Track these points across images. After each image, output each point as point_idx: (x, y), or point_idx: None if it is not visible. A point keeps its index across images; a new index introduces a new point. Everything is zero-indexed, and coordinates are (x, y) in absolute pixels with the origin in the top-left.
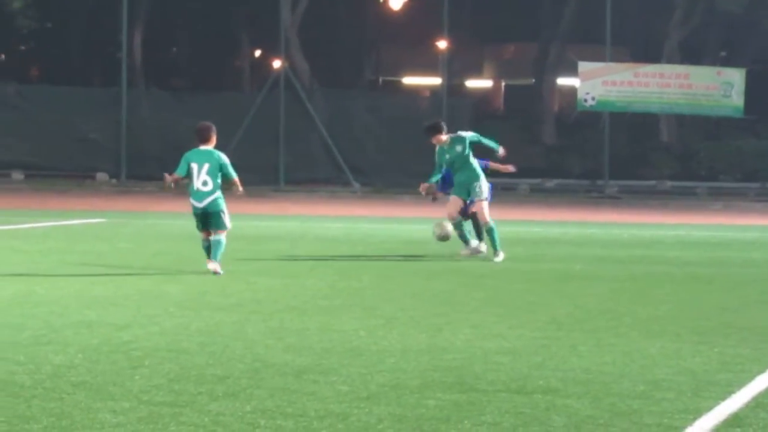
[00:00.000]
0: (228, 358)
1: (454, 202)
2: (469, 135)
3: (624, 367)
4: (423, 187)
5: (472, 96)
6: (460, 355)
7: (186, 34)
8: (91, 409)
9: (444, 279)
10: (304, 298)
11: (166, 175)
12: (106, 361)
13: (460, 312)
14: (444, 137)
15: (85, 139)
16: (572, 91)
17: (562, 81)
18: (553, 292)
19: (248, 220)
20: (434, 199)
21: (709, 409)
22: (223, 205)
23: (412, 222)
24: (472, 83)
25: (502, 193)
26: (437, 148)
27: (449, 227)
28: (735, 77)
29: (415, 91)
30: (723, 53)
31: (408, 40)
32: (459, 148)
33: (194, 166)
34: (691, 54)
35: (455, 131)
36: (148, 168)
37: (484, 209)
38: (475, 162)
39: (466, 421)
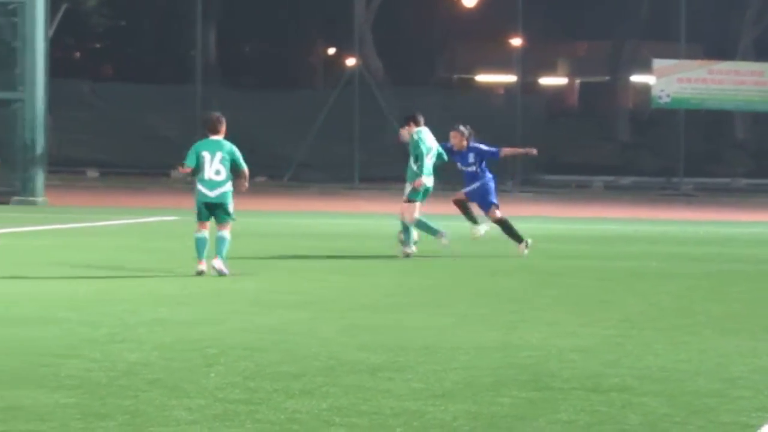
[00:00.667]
0: (303, 356)
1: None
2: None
3: (699, 364)
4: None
5: (546, 94)
6: (534, 353)
7: (260, 32)
8: (166, 406)
9: (515, 277)
10: (377, 296)
11: (179, 167)
12: (181, 358)
13: (532, 309)
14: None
15: (159, 137)
16: (646, 89)
17: (637, 78)
18: (627, 290)
19: (322, 218)
20: None
21: None
22: (231, 198)
23: (483, 220)
24: (545, 81)
25: (576, 190)
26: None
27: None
28: None
29: (488, 88)
30: None
31: (481, 37)
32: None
33: (206, 154)
34: (766, 52)
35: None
36: None
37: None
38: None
39: (540, 419)
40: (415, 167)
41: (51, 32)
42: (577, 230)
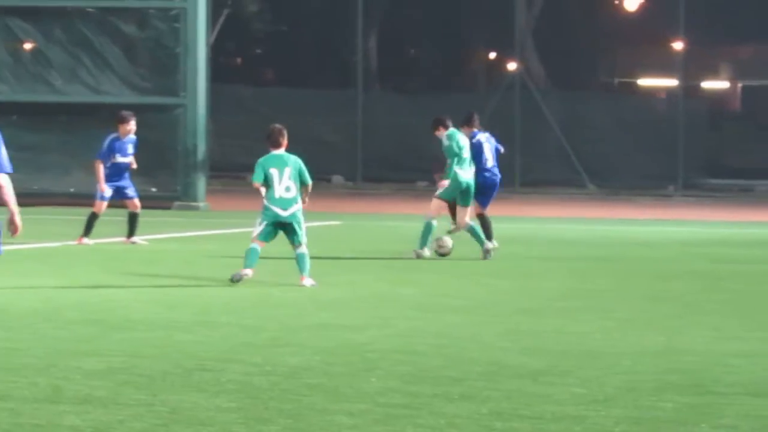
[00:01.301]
0: (463, 361)
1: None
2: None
3: None
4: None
5: (709, 97)
6: (697, 358)
7: (421, 36)
8: (327, 411)
9: (681, 281)
10: (540, 300)
11: (254, 184)
12: (342, 363)
13: (697, 314)
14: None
15: (320, 142)
16: None
17: None
18: None
19: None
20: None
21: None
22: (302, 215)
23: (648, 224)
24: (708, 84)
25: (739, 194)
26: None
27: (448, 242)
28: None
29: (650, 92)
30: None
31: (643, 41)
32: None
33: (274, 171)
34: None
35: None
36: (384, 170)
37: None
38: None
39: (703, 424)
40: (453, 167)
41: (212, 38)
42: (743, 234)
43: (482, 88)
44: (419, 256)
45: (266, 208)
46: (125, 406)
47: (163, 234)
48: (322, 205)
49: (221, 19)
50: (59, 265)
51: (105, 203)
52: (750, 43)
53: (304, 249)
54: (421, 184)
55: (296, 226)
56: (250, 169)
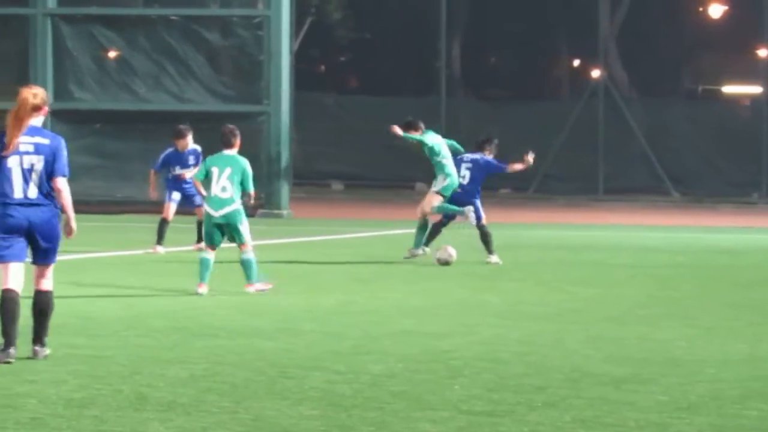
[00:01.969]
0: (546, 368)
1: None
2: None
3: None
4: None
5: None
6: None
7: (504, 43)
8: (411, 418)
9: (765, 289)
10: (623, 308)
11: (195, 183)
12: (425, 370)
13: None
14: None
15: (403, 149)
16: None
17: None
18: None
19: (567, 230)
20: None
21: None
22: (243, 218)
23: (732, 231)
24: None
25: None
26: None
27: (452, 251)
28: None
29: (734, 99)
30: None
31: (727, 48)
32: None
33: (215, 170)
34: None
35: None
36: None
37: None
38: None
39: None
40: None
41: (296, 45)
42: None
43: (565, 96)
44: (414, 256)
45: (204, 211)
46: (208, 414)
47: None
48: (406, 212)
49: (305, 27)
50: (143, 273)
51: (172, 209)
52: None
53: (248, 254)
54: (504, 191)
55: (233, 227)
56: (334, 176)
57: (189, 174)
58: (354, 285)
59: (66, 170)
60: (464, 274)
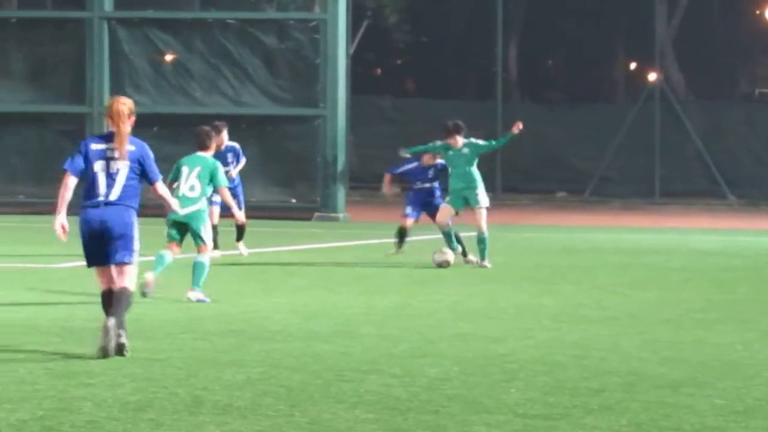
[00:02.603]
0: (603, 372)
1: (446, 210)
2: (481, 142)
3: None
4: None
5: None
6: None
7: (561, 47)
8: (466, 422)
9: None
10: (679, 311)
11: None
12: (481, 373)
13: None
14: (460, 140)
15: None
16: None
17: None
18: None
19: (623, 233)
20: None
21: None
22: (204, 219)
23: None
24: None
25: None
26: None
27: (450, 255)
28: None
29: None
30: None
31: None
32: (467, 150)
33: (185, 169)
34: None
35: None
36: (523, 181)
37: (484, 217)
38: (476, 171)
39: None
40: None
41: (352, 49)
42: None
43: (622, 98)
44: (449, 264)
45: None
46: (264, 417)
47: (303, 245)
48: (462, 216)
49: (361, 30)
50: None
51: (216, 212)
52: None
53: (202, 257)
54: (561, 194)
55: (194, 228)
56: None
57: (233, 173)
58: (410, 288)
59: (157, 175)
60: (520, 277)
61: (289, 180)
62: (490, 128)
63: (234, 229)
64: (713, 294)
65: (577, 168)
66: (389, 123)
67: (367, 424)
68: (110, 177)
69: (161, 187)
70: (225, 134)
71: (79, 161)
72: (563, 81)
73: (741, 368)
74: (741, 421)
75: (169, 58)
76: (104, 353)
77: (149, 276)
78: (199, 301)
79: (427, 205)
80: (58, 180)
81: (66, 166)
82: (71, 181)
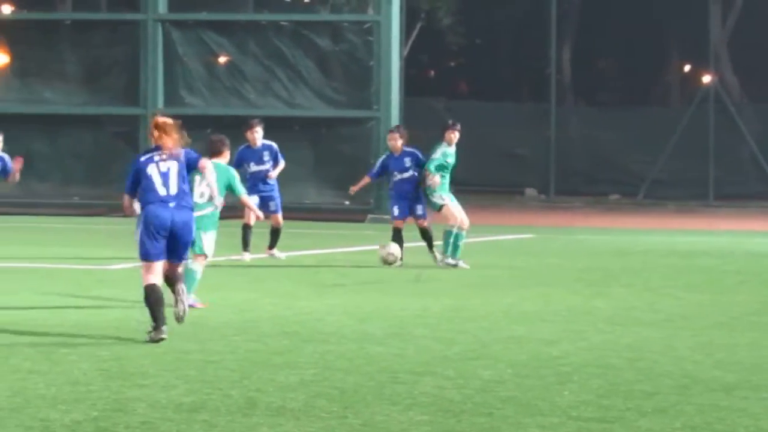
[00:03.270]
0: (656, 374)
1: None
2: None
3: None
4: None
5: None
6: None
7: (614, 49)
8: (520, 424)
9: None
10: (734, 314)
11: None
12: (535, 376)
13: None
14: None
15: (513, 155)
16: None
17: None
18: None
19: (677, 236)
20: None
21: None
22: (211, 228)
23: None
24: None
25: None
26: (443, 147)
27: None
28: None
29: None
30: None
31: None
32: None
33: (197, 178)
34: None
35: None
36: (577, 183)
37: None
38: None
39: None
40: None
41: (406, 50)
42: None
43: (676, 101)
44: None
45: None
46: (317, 419)
47: (356, 247)
48: (515, 218)
49: (414, 32)
50: (253, 278)
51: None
52: None
53: (195, 265)
54: (614, 197)
55: (197, 233)
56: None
57: (273, 174)
58: (464, 290)
59: (199, 157)
60: (573, 279)
61: (342, 182)
62: (544, 130)
63: (267, 233)
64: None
65: (630, 170)
66: (442, 125)
67: (421, 426)
68: (164, 176)
69: (204, 161)
70: (259, 131)
71: None
72: (617, 83)
73: None
74: None
75: (222, 60)
76: (180, 319)
77: (192, 300)
78: (191, 306)
79: (413, 200)
80: (111, 182)
81: None
82: None
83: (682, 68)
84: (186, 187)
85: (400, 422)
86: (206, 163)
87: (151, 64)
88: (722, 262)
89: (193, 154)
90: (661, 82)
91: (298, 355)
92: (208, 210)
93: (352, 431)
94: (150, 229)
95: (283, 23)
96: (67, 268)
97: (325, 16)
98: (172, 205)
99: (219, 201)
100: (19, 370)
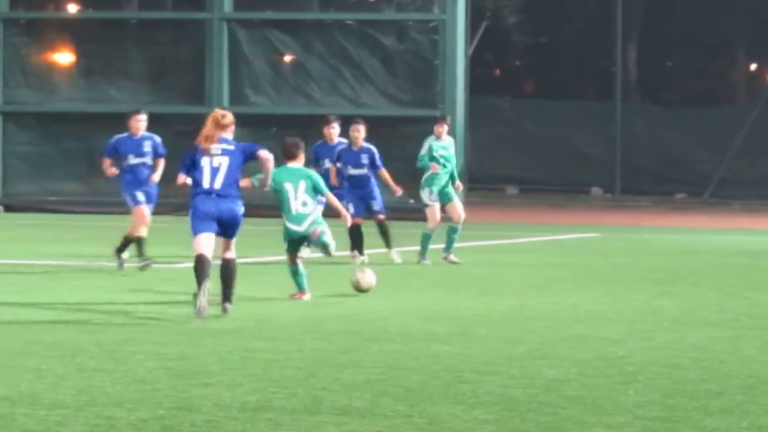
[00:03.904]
0: (722, 374)
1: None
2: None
3: None
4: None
5: None
6: None
7: (680, 47)
8: (585, 423)
9: None
10: None
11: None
12: (600, 375)
13: None
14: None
15: (578, 154)
16: None
17: None
18: None
19: (744, 235)
20: None
21: None
22: (324, 226)
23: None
24: None
25: None
26: (430, 140)
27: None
28: None
29: None
30: None
31: None
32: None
33: (288, 186)
34: None
35: None
36: (642, 182)
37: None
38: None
39: None
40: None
41: (471, 49)
42: None
43: (742, 100)
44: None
45: (285, 228)
46: (383, 417)
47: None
48: (581, 217)
49: (479, 31)
50: (320, 276)
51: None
52: None
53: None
54: (680, 196)
55: (314, 239)
56: (508, 180)
57: (391, 184)
58: (528, 290)
59: (257, 148)
60: (639, 279)
61: (407, 181)
62: (609, 129)
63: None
64: None
65: (696, 170)
66: (507, 124)
67: (486, 425)
68: (214, 170)
69: (263, 152)
70: (335, 127)
71: None
72: (683, 82)
73: None
74: None
75: (287, 59)
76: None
77: (306, 296)
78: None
79: (367, 196)
80: (176, 180)
81: None
82: None
83: (748, 67)
84: (237, 177)
85: (465, 421)
86: (265, 154)
87: (216, 63)
88: None
89: (251, 147)
90: (727, 81)
91: (364, 353)
92: (313, 214)
93: (418, 430)
94: (197, 214)
95: (348, 22)
96: (134, 267)
97: (390, 14)
98: (216, 196)
99: (264, 182)
100: (85, 368)
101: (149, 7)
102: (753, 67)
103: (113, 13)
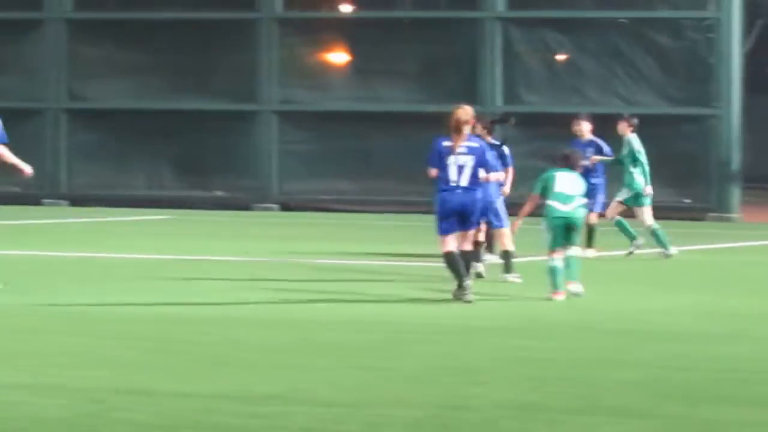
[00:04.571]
0: None
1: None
2: None
3: None
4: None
5: None
6: None
7: None
8: None
9: None
10: None
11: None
12: None
13: None
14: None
15: None
16: None
17: None
18: None
19: None
20: None
21: None
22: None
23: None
24: None
25: None
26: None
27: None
28: None
29: None
30: None
31: None
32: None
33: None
34: None
35: None
36: None
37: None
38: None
39: None
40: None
41: (748, 47)
42: None
43: None
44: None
45: (547, 213)
46: (660, 418)
47: (696, 245)
48: None
49: (755, 29)
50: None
51: (592, 213)
52: None
53: (577, 252)
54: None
55: (577, 227)
56: None
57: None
58: None
59: (498, 166)
60: None
61: (681, 180)
62: None
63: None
64: None
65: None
66: None
67: (765, 426)
68: (460, 168)
69: (493, 175)
70: (585, 125)
71: None
72: None
73: None
74: None
75: (560, 57)
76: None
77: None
78: (576, 293)
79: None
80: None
81: None
82: None
83: None
84: (478, 173)
85: (742, 423)
86: (492, 177)
87: (489, 61)
88: None
89: (485, 159)
90: None
91: (638, 352)
92: (581, 210)
93: (695, 431)
94: (442, 211)
95: (621, 20)
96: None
97: (664, 12)
98: (460, 191)
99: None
100: (361, 366)
101: (422, 7)
102: None
103: (387, 12)
